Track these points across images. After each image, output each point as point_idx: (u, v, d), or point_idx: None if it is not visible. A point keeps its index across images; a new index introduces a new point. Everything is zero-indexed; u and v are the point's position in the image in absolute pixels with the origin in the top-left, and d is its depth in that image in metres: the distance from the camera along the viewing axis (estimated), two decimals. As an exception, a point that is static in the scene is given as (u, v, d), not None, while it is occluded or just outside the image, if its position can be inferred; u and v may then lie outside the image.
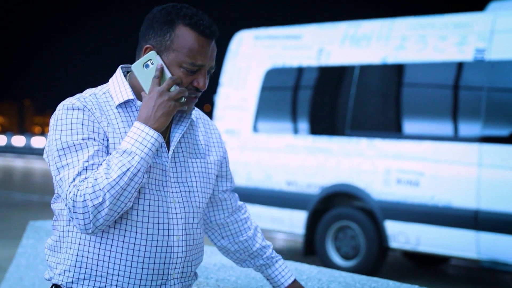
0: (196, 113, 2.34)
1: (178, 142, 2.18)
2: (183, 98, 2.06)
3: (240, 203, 2.49)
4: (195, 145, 2.25)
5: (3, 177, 24.13)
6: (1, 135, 50.97)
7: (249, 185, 8.63)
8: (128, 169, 1.94)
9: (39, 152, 38.70)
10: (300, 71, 8.52)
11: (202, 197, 2.22)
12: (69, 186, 1.96)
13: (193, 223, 2.18)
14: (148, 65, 2.07)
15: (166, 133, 2.18)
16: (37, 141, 45.71)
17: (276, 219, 8.42)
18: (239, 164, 8.73)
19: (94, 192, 1.92)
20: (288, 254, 9.33)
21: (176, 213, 2.13)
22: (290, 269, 2.46)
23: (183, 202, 2.15)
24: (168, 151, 2.15)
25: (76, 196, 1.93)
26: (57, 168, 2.01)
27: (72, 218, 1.97)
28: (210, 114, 9.31)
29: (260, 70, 8.81)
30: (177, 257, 2.13)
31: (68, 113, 2.05)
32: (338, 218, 8.03)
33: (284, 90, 8.73)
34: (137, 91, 2.15)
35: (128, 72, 2.23)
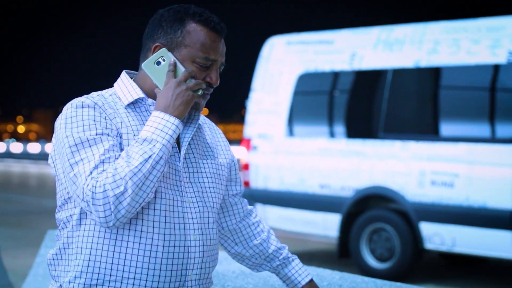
0: (201, 118, 2.30)
1: (188, 144, 2.13)
2: (200, 91, 2.06)
3: (249, 207, 2.42)
4: (204, 147, 2.22)
5: (37, 184, 24.37)
6: (36, 142, 51.25)
7: (282, 188, 8.67)
8: (150, 156, 1.90)
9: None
10: (332, 75, 8.57)
11: (215, 198, 2.17)
12: (86, 179, 1.88)
13: (208, 223, 2.13)
14: (159, 62, 2.06)
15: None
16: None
17: (310, 222, 8.46)
18: (272, 168, 8.78)
19: (115, 181, 1.86)
20: (323, 257, 9.36)
21: (191, 213, 2.07)
22: (307, 269, 2.39)
23: (197, 202, 2.10)
24: (180, 152, 2.11)
25: (95, 187, 1.86)
26: (70, 165, 1.93)
27: (91, 212, 1.89)
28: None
29: (292, 75, 8.85)
30: (194, 257, 2.06)
31: (78, 111, 2.00)
32: (372, 220, 8.05)
33: (316, 94, 8.77)
34: (145, 92, 2.12)
35: (131, 78, 2.20)
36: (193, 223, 2.07)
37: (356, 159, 8.08)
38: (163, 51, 2.06)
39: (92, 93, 2.12)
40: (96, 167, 1.89)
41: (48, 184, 24.71)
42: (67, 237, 2.05)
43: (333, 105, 8.53)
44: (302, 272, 2.35)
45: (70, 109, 2.01)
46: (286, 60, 8.97)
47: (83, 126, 1.96)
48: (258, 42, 9.69)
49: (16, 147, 48.28)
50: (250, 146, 9.06)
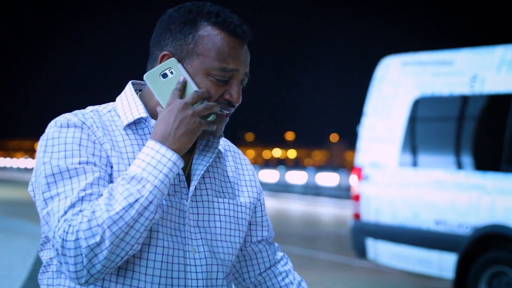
0: (225, 143, 1.91)
1: (201, 177, 1.76)
2: (212, 115, 1.66)
3: (280, 254, 1.99)
4: (222, 182, 1.82)
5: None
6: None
7: (394, 223, 8.11)
8: (136, 200, 1.53)
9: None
10: (451, 100, 7.89)
11: (228, 247, 1.78)
12: (59, 221, 1.53)
13: (217, 278, 1.74)
14: (166, 75, 1.67)
15: (186, 166, 1.76)
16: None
17: (423, 261, 7.83)
18: (383, 200, 8.26)
19: (90, 228, 1.50)
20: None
21: (195, 265, 1.69)
22: None
23: (204, 251, 1.71)
24: (188, 188, 1.73)
25: (67, 233, 1.51)
26: (44, 200, 1.59)
27: (61, 263, 1.54)
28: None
29: (408, 98, 8.28)
30: None
31: (61, 131, 1.65)
32: (493, 262, 7.27)
33: (433, 120, 8.16)
34: (150, 110, 1.74)
35: (140, 90, 1.83)
36: (197, 279, 1.69)
37: (475, 194, 7.33)
38: (172, 61, 1.69)
39: (88, 107, 1.78)
40: (72, 205, 1.55)
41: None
42: (47, 285, 1.71)
43: (451, 133, 7.86)
44: None
45: (53, 128, 1.67)
46: (401, 82, 8.42)
47: (65, 151, 1.62)
48: (372, 62, 9.15)
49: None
50: (361, 176, 8.52)
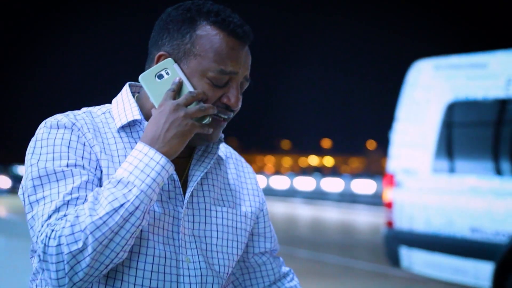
0: (227, 150, 1.83)
1: (199, 184, 1.68)
2: (208, 118, 1.57)
3: (285, 269, 1.90)
4: (222, 189, 1.74)
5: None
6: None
7: (428, 230, 7.90)
8: (121, 205, 1.45)
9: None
10: (485, 103, 7.67)
11: (225, 258, 1.69)
12: (42, 225, 1.48)
13: None
14: (162, 76, 1.61)
15: (184, 172, 1.68)
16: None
17: (458, 270, 7.61)
18: (417, 208, 8.06)
19: (73, 234, 1.43)
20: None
21: (189, 276, 1.61)
22: None
23: (199, 261, 1.63)
24: (184, 195, 1.65)
25: (49, 238, 1.45)
26: (30, 203, 1.53)
27: (43, 269, 1.49)
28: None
29: (441, 103, 8.08)
30: None
31: (51, 132, 1.59)
32: (532, 272, 7.01)
33: (467, 125, 7.94)
34: (146, 113, 1.67)
35: (139, 92, 1.75)
36: None
37: (512, 200, 7.08)
38: (168, 61, 1.62)
39: (83, 108, 1.73)
40: (57, 210, 1.49)
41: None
42: None
43: (485, 138, 7.62)
44: None
45: (42, 129, 1.62)
46: (433, 86, 8.23)
47: (53, 153, 1.57)
48: (403, 66, 8.97)
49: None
50: (393, 182, 8.34)
